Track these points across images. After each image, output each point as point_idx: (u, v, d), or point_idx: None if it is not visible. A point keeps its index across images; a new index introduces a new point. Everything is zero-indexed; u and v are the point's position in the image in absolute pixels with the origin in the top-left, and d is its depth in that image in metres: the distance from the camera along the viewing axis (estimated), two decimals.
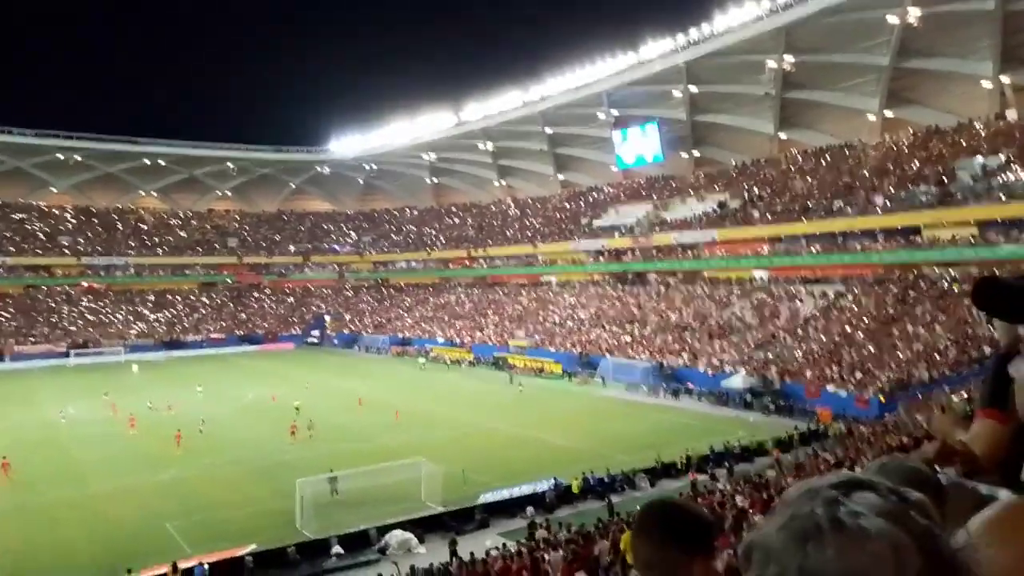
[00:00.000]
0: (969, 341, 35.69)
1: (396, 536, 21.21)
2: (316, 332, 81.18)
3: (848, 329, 42.46)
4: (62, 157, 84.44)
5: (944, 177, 46.71)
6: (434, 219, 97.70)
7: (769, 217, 55.97)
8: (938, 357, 35.78)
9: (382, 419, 37.86)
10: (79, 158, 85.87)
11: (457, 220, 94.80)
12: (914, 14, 47.91)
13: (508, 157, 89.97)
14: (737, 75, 62.38)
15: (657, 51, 65.66)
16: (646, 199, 73.02)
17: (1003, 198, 41.54)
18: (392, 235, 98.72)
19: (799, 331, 45.21)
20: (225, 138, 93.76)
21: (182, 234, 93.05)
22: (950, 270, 43.30)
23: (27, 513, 24.53)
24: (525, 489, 24.75)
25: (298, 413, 37.65)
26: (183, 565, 18.84)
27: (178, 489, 26.70)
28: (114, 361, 65.76)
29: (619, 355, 51.39)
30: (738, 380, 41.25)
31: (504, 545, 19.39)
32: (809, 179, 58.11)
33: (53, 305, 77.20)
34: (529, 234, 79.58)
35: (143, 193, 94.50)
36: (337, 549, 20.62)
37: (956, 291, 41.00)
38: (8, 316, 73.35)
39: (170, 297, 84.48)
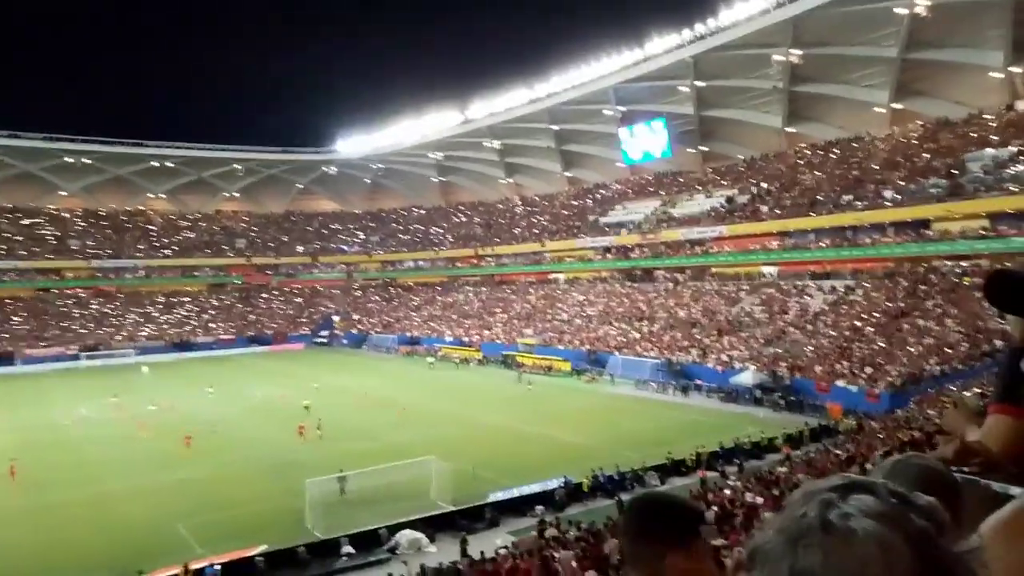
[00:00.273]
0: (980, 335, 35.42)
1: (406, 535, 21.21)
2: (325, 332, 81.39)
3: (858, 324, 42.19)
4: (71, 160, 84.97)
5: (954, 169, 46.36)
6: (441, 218, 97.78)
7: (778, 212, 55.71)
8: (949, 351, 35.51)
9: (391, 418, 37.91)
10: (88, 161, 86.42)
11: (464, 219, 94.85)
12: (923, 4, 47.51)
13: (515, 155, 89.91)
14: (744, 69, 62.07)
15: (664, 46, 65.43)
16: (654, 195, 72.83)
17: (1014, 190, 41.19)
18: (400, 234, 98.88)
19: (809, 326, 44.97)
20: (232, 139, 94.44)
21: (190, 235, 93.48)
22: (961, 263, 42.97)
23: (38, 514, 24.66)
24: (535, 487, 24.71)
25: (308, 412, 37.75)
26: (195, 566, 18.89)
27: (189, 489, 26.79)
28: (125, 363, 66.12)
29: (628, 352, 51.27)
30: (748, 376, 41.07)
31: (514, 543, 19.37)
32: (818, 173, 57.83)
33: (64, 308, 77.69)
34: (536, 232, 79.51)
35: (151, 195, 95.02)
36: (348, 549, 20.64)
37: (967, 284, 40.68)
38: (20, 319, 73.84)
39: (179, 299, 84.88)
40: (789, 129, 64.09)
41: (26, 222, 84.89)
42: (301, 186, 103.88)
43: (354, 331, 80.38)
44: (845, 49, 55.02)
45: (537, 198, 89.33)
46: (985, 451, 2.19)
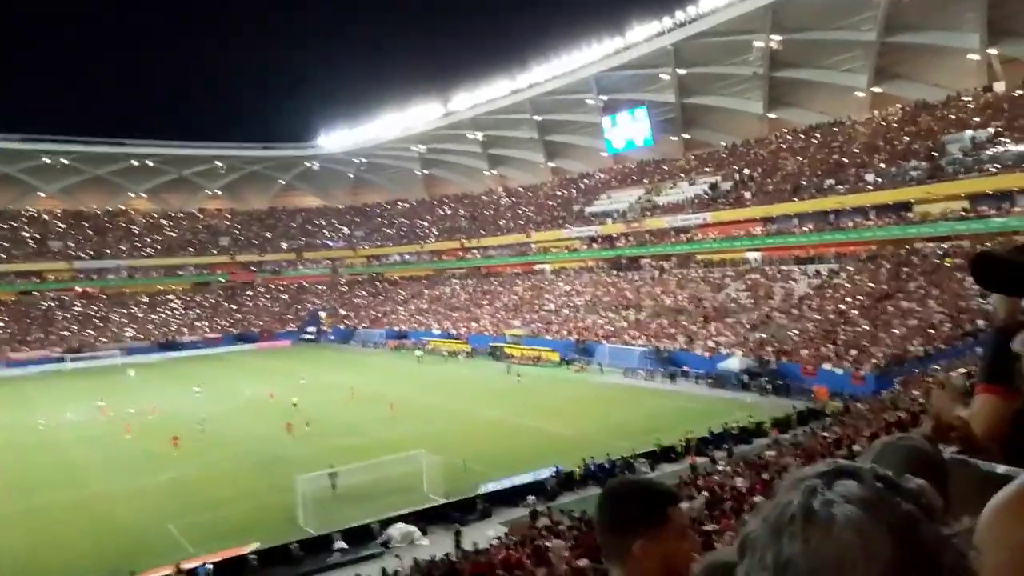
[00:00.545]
0: (963, 315, 35.79)
1: (399, 529, 21.24)
2: (312, 328, 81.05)
3: (842, 307, 42.55)
4: (49, 161, 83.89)
5: (934, 152, 46.76)
6: (426, 211, 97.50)
7: (761, 198, 56.00)
8: (932, 332, 35.88)
9: (380, 413, 37.86)
10: (66, 162, 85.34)
11: (449, 211, 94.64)
12: None
13: (498, 146, 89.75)
14: (725, 56, 62.21)
15: (644, 34, 65.49)
16: (637, 183, 72.98)
17: (993, 170, 41.62)
18: (384, 228, 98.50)
19: (794, 311, 45.30)
20: (213, 137, 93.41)
21: (173, 234, 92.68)
22: (942, 245, 43.39)
23: (26, 517, 24.48)
24: (526, 478, 24.80)
25: (296, 409, 37.61)
26: (186, 566, 18.82)
27: (179, 489, 26.68)
28: (110, 364, 65.58)
29: (615, 341, 51.45)
30: (735, 362, 41.34)
31: (506, 534, 19.44)
32: (800, 158, 58.14)
33: (47, 310, 76.89)
34: (522, 223, 79.49)
35: (132, 195, 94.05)
36: (340, 544, 20.64)
37: (948, 265, 41.10)
38: (2, 323, 73.02)
39: (164, 298, 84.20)
40: (770, 115, 64.35)
41: (5, 225, 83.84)
42: (284, 182, 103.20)
43: (341, 327, 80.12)
44: (824, 34, 55.25)
45: (521, 189, 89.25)
46: (962, 426, 2.22)
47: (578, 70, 71.98)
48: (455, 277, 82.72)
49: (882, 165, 49.31)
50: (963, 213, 42.21)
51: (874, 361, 35.25)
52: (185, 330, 78.62)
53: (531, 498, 23.47)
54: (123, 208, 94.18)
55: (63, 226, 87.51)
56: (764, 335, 43.62)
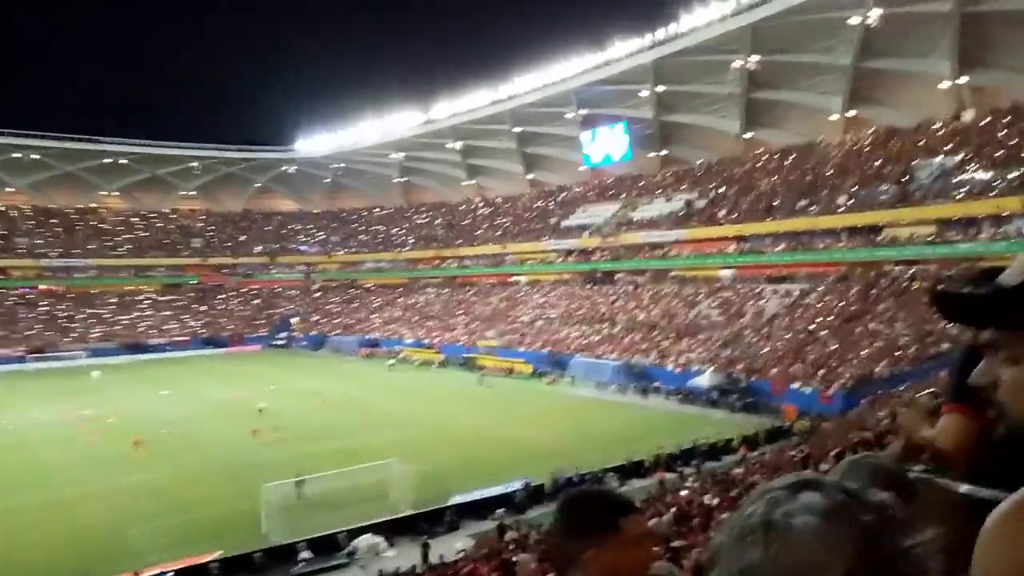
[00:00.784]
0: (929, 337, 36.44)
1: (365, 540, 20.99)
2: (283, 334, 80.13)
3: (812, 326, 43.11)
4: (19, 155, 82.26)
5: (904, 176, 47.70)
6: (403, 219, 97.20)
7: (735, 216, 56.67)
8: (899, 353, 36.48)
9: (350, 420, 37.52)
10: (37, 157, 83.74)
11: (426, 219, 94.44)
12: (875, 15, 48.83)
13: (477, 156, 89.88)
14: (704, 75, 63.02)
15: (624, 50, 66.13)
16: (614, 198, 73.47)
17: (960, 197, 42.55)
18: (360, 235, 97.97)
19: (764, 329, 45.79)
20: (189, 137, 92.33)
21: (144, 234, 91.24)
22: (910, 268, 44.21)
23: None
24: (496, 490, 24.68)
25: (262, 415, 37.16)
26: (146, 574, 18.42)
27: (141, 494, 26.13)
28: (75, 366, 64.23)
29: (588, 354, 51.57)
30: (705, 378, 41.62)
31: (474, 547, 19.31)
32: (774, 178, 58.96)
33: (10, 309, 75.16)
34: (499, 233, 79.57)
35: (104, 192, 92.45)
36: (305, 554, 20.36)
37: (915, 288, 41.87)
38: None
39: (133, 299, 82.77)
40: (746, 135, 65.22)
41: None
42: (259, 185, 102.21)
43: (313, 333, 79.35)
44: (801, 56, 56.23)
45: (499, 200, 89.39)
46: (930, 447, 2.24)
47: (559, 83, 72.46)
48: (430, 286, 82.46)
49: (854, 188, 50.18)
50: (931, 237, 43.06)
51: (842, 381, 35.73)
52: (153, 332, 77.32)
53: (500, 511, 23.36)
54: (94, 206, 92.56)
55: (31, 222, 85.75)
56: (735, 352, 44.02)
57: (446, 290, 79.51)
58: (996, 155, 43.77)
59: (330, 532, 21.30)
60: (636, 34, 64.70)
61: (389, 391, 48.04)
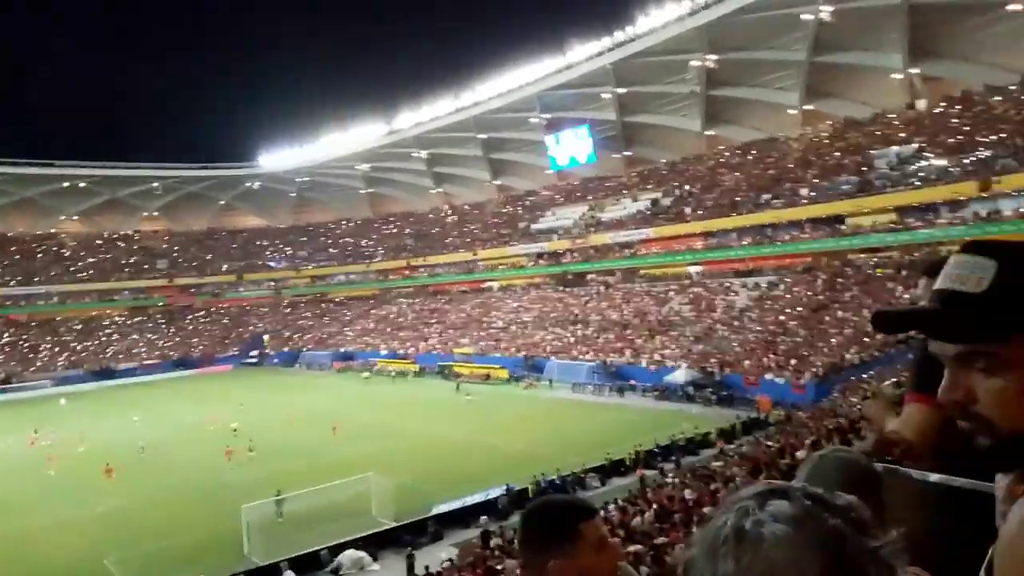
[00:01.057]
0: None
1: (349, 555, 20.82)
2: (255, 352, 79.12)
3: (782, 318, 43.77)
4: None
5: (863, 167, 48.70)
6: (371, 230, 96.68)
7: (700, 213, 57.33)
8: (867, 340, 37.15)
9: (325, 436, 37.15)
10: None
11: (395, 230, 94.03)
12: (827, 10, 49.83)
13: (443, 164, 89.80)
14: (663, 75, 63.76)
15: (584, 54, 66.70)
16: (581, 200, 73.91)
17: (918, 184, 43.55)
18: (329, 248, 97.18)
19: (735, 323, 46.37)
20: (149, 157, 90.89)
21: (107, 257, 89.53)
22: (874, 256, 45.17)
23: None
24: (478, 497, 24.63)
25: (236, 434, 36.68)
26: None
27: (116, 521, 25.59)
28: (41, 395, 62.76)
29: (564, 356, 51.74)
30: (680, 374, 42.03)
31: (459, 555, 19.25)
32: (737, 174, 59.80)
33: None
34: (468, 240, 79.53)
35: (63, 217, 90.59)
36: (288, 573, 20.10)
37: (880, 275, 42.79)
38: None
39: (98, 324, 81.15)
40: (708, 132, 66.06)
41: None
42: (223, 202, 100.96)
43: (286, 349, 78.49)
44: (757, 54, 57.18)
45: (467, 207, 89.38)
46: (903, 441, 2.30)
47: (521, 88, 72.75)
48: (402, 296, 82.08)
49: (815, 180, 51.09)
50: (892, 225, 44.00)
51: (813, 370, 36.32)
52: (121, 356, 75.87)
53: (483, 518, 23.31)
54: (54, 231, 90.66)
55: None
56: (708, 347, 44.50)
57: (418, 299, 79.22)
58: (950, 142, 44.92)
59: (312, 550, 21.08)
60: (595, 38, 65.28)
61: (365, 404, 47.69)
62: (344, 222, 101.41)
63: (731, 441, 29.47)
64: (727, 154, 64.27)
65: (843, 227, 47.11)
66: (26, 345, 74.58)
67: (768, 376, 37.99)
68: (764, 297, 47.90)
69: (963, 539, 1.75)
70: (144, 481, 30.74)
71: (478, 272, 75.69)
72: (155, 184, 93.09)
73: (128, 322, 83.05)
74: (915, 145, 47.11)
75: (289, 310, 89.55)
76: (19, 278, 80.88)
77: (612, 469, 27.43)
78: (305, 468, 29.99)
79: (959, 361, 0.96)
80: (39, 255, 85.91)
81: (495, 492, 24.74)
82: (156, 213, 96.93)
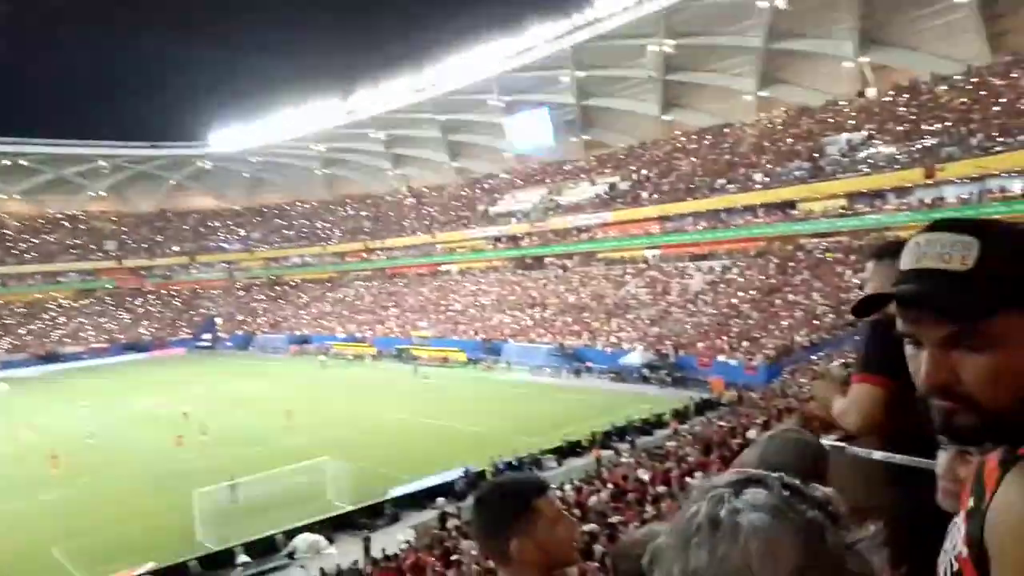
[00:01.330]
0: (843, 306, 38.18)
1: (304, 539, 20.69)
2: (208, 335, 77.64)
3: (735, 301, 44.60)
4: None
5: (815, 153, 49.70)
6: (327, 212, 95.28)
7: (657, 197, 57.91)
8: (816, 323, 38.15)
9: (280, 420, 36.69)
10: None
11: (352, 212, 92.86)
12: None
13: (401, 146, 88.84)
14: (621, 59, 63.99)
15: (543, 36, 66.38)
16: (540, 184, 73.94)
17: (867, 170, 44.66)
18: (284, 230, 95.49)
19: (690, 305, 47.09)
20: (95, 134, 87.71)
21: (52, 238, 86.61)
22: (824, 240, 46.26)
23: None
24: (435, 480, 24.67)
25: (187, 420, 36.04)
26: None
27: (63, 510, 24.96)
28: None
29: (522, 339, 51.96)
30: (636, 356, 42.55)
31: (416, 538, 19.29)
32: (693, 159, 60.48)
33: None
34: (427, 223, 79.00)
35: (5, 196, 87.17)
36: (243, 558, 19.92)
37: (830, 260, 43.87)
38: None
39: (43, 307, 78.60)
40: (665, 117, 66.59)
41: None
42: (174, 182, 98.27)
43: (239, 332, 77.18)
44: (714, 39, 57.75)
45: (426, 189, 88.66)
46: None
47: (478, 70, 72.20)
48: (359, 279, 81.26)
49: (769, 165, 51.98)
50: (842, 210, 45.08)
51: (765, 352, 37.12)
52: (68, 340, 73.68)
53: (440, 500, 23.37)
54: None
55: None
56: (663, 330, 45.13)
57: (376, 283, 78.54)
58: (898, 130, 46.12)
59: (267, 534, 20.89)
60: (554, 20, 65.02)
61: (322, 388, 47.26)
62: (300, 203, 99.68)
63: (684, 421, 30.00)
64: (684, 139, 64.90)
65: (795, 212, 48.10)
66: None
67: (721, 358, 38.72)
68: (718, 280, 48.71)
69: (905, 513, 1.81)
70: (92, 469, 30.01)
71: (436, 255, 75.34)
72: (102, 163, 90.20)
73: (74, 305, 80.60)
74: (865, 133, 48.24)
75: (243, 293, 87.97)
76: None
77: (569, 450, 27.70)
78: (259, 454, 29.59)
79: (946, 341, 0.92)
80: None
81: (453, 475, 24.80)
82: (104, 193, 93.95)
